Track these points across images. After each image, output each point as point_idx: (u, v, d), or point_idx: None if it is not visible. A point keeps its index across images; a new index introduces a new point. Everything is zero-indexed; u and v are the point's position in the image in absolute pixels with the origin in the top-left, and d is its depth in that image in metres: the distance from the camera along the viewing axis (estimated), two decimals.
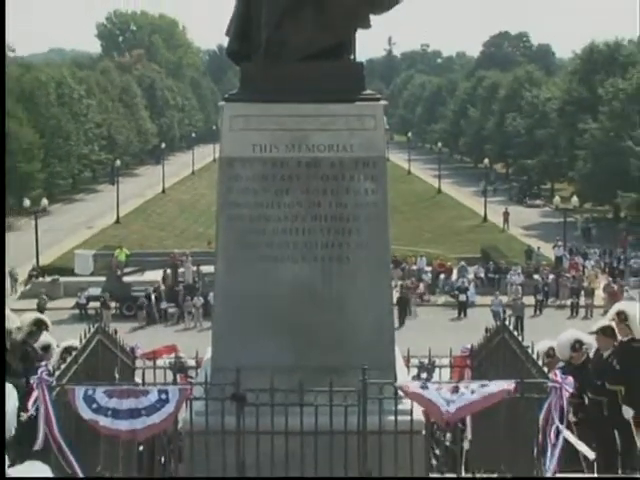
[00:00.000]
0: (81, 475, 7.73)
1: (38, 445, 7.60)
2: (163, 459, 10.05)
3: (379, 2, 9.33)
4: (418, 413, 8.23)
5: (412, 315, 40.68)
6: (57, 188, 77.91)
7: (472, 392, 7.75)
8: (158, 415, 7.77)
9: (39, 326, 10.72)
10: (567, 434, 7.76)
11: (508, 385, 7.82)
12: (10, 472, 6.07)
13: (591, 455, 8.43)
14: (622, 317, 10.47)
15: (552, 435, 7.68)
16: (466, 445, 10.37)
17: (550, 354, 10.93)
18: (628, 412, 10.24)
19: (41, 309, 36.76)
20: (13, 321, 10.29)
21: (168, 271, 43.73)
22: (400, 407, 8.08)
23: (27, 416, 7.99)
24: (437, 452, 10.37)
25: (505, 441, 8.61)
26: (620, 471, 10.35)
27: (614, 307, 10.88)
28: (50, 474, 6.06)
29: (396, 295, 38.54)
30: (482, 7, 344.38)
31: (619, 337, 10.57)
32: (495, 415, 8.56)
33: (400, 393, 8.02)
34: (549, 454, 7.65)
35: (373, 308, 9.14)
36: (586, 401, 10.40)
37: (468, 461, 9.99)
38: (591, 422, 10.31)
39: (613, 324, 10.69)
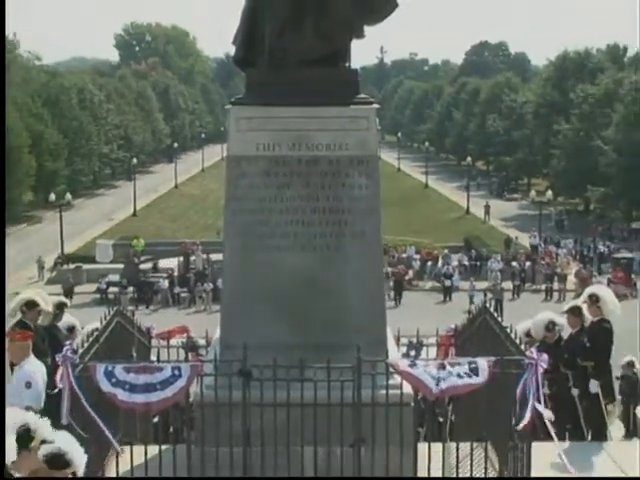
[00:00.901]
0: (111, 437, 7.77)
1: (63, 420, 7.61)
2: (176, 429, 10.07)
3: (373, 14, 9.28)
4: (407, 387, 8.23)
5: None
6: (80, 184, 77.88)
7: (459, 376, 7.73)
8: (171, 389, 7.76)
9: (61, 308, 10.76)
10: (535, 403, 7.77)
11: (489, 364, 7.81)
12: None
13: (549, 414, 8.40)
14: (594, 299, 10.50)
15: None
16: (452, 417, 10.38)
17: (528, 335, 10.94)
18: (594, 386, 10.27)
19: (67, 292, 36.89)
20: (47, 304, 10.39)
21: (157, 261, 44.15)
22: (391, 382, 8.07)
23: (57, 390, 8.01)
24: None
25: (486, 411, 8.61)
26: (589, 439, 10.40)
27: (587, 290, 10.90)
28: (75, 443, 6.07)
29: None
30: (465, 19, 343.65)
31: (590, 317, 10.59)
32: (477, 388, 8.56)
33: (391, 369, 8.02)
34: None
35: (366, 292, 9.11)
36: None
37: (453, 430, 10.01)
38: (561, 394, 10.34)
39: (582, 305, 10.71)
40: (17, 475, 5.58)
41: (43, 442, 5.72)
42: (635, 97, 57.83)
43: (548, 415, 8.23)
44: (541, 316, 11.22)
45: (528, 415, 7.63)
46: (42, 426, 5.77)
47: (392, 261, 43.86)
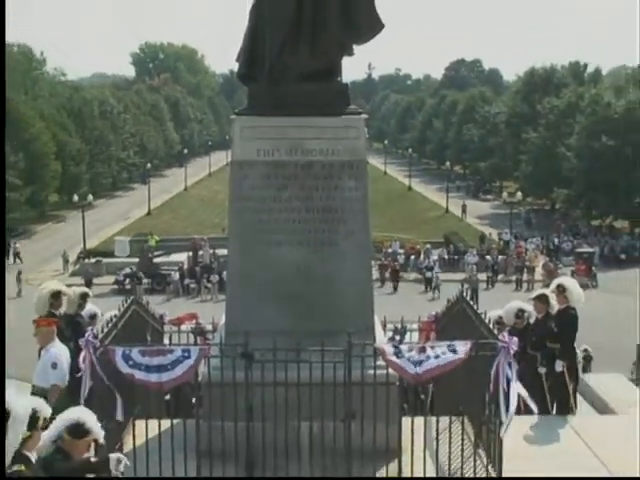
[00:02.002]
0: (119, 410, 7.75)
1: (83, 397, 7.60)
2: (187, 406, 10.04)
3: (361, 35, 9.27)
4: None
5: (384, 288, 41.12)
6: (100, 186, 77.63)
7: (436, 357, 7.70)
8: (180, 367, 7.71)
9: (84, 298, 10.74)
10: (518, 386, 7.75)
11: (465, 347, 7.78)
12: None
13: (533, 407, 8.43)
14: (561, 289, 10.52)
15: (504, 385, 7.71)
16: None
17: (500, 321, 10.95)
18: (559, 365, 10.29)
19: (87, 283, 36.89)
20: (69, 294, 10.39)
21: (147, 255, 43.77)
22: (378, 363, 8.05)
23: (81, 374, 7.98)
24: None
25: (463, 389, 8.61)
26: (554, 412, 10.41)
27: (554, 281, 10.93)
28: (92, 416, 6.09)
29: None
30: (444, 38, 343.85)
31: (557, 305, 10.60)
32: (455, 369, 8.54)
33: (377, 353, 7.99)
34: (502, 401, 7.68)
35: (357, 283, 9.09)
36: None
37: (433, 406, 10.00)
38: (529, 373, 10.34)
39: (550, 294, 10.72)
40: (29, 455, 5.63)
41: (45, 420, 5.82)
42: (594, 109, 58.00)
43: (533, 407, 8.28)
44: (511, 304, 11.25)
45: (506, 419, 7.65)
46: (44, 406, 5.86)
47: (379, 255, 43.91)
